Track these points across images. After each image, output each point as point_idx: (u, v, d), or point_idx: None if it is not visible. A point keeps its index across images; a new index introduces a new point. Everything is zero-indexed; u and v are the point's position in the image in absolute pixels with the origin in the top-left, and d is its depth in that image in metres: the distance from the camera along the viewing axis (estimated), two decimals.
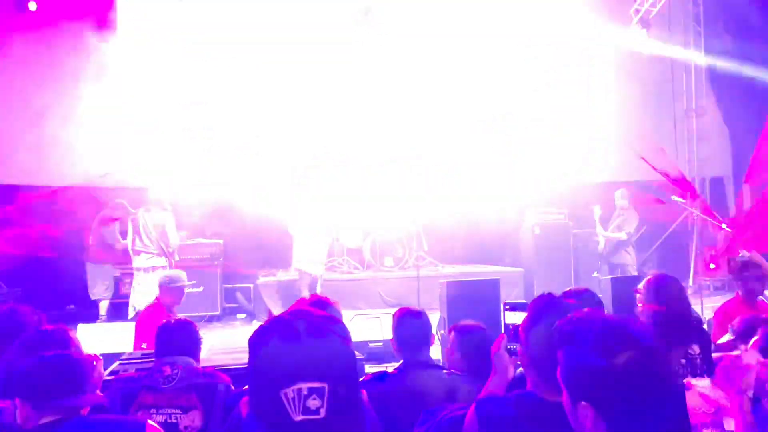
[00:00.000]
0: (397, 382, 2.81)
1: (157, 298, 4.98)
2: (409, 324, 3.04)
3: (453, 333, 3.21)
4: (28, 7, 7.94)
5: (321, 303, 2.49)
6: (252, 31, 9.18)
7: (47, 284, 8.09)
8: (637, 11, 9.80)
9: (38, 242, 7.81)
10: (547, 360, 1.89)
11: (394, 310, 3.28)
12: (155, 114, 8.92)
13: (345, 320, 5.48)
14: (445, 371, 3.03)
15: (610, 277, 6.18)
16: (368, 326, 5.25)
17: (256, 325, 6.67)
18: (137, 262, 7.17)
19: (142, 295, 6.77)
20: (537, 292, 8.90)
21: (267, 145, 9.44)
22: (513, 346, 2.26)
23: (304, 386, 1.04)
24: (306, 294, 7.52)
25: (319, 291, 7.77)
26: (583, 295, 2.91)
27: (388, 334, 3.19)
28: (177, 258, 7.51)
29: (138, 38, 9.02)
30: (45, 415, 1.87)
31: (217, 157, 9.25)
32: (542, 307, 2.00)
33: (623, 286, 4.99)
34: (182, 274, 5.15)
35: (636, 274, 8.31)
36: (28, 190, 8.37)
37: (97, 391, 2.19)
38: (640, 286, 3.46)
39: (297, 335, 1.09)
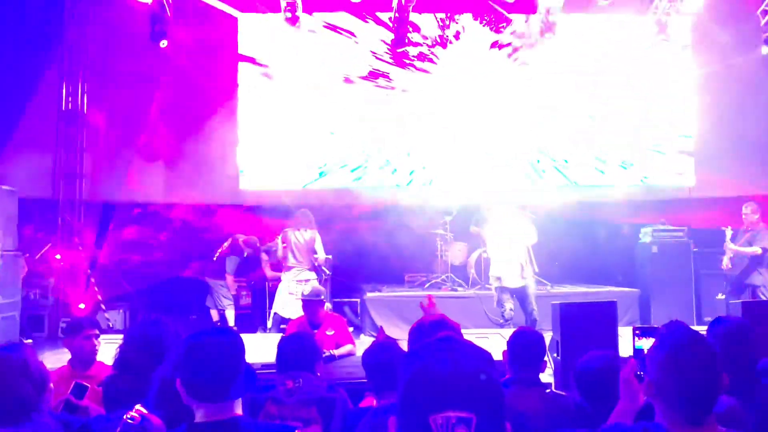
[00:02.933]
0: None
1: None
2: (527, 341, 3.04)
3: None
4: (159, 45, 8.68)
5: (443, 324, 2.53)
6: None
7: (169, 295, 8.77)
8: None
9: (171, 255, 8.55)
10: (674, 390, 1.82)
11: (500, 330, 3.27)
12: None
13: None
14: (548, 390, 3.00)
15: (740, 300, 5.71)
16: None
17: (364, 339, 6.89)
18: (289, 275, 7.60)
19: (291, 305, 7.18)
20: (655, 315, 8.57)
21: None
22: (642, 373, 2.19)
23: (453, 415, 1.06)
24: (509, 306, 7.55)
25: (534, 306, 7.61)
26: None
27: (496, 355, 3.18)
28: (327, 272, 8.00)
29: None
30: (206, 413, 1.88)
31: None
32: (671, 335, 1.92)
33: (757, 310, 4.61)
34: (322, 289, 5.57)
35: None
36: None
37: None
38: None
39: (448, 362, 1.13)
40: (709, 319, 7.79)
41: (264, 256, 8.24)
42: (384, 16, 9.74)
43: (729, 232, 7.93)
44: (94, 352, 3.73)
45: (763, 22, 8.97)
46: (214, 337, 1.98)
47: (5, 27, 8.42)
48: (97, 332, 3.80)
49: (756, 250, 7.73)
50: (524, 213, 8.16)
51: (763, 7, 8.95)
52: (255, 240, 8.37)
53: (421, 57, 9.97)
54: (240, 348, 1.99)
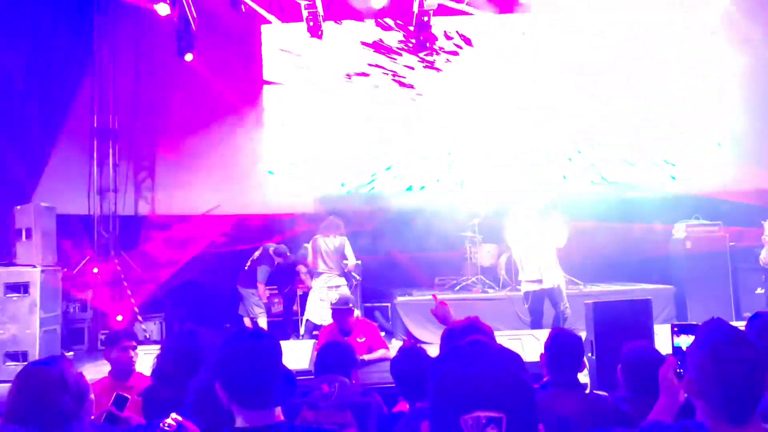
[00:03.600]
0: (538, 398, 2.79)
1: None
2: (564, 343, 3.02)
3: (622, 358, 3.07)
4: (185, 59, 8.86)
5: (475, 327, 2.53)
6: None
7: (204, 303, 8.91)
8: None
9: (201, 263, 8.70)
10: (716, 389, 1.79)
11: (533, 331, 3.25)
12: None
13: None
14: (587, 391, 2.98)
15: None
16: (511, 347, 5.17)
17: (396, 344, 6.89)
18: (319, 282, 7.67)
19: (323, 311, 7.24)
20: (691, 312, 8.38)
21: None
22: (682, 371, 2.17)
23: (483, 415, 1.07)
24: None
25: (566, 304, 7.45)
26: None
27: (530, 356, 3.18)
28: (357, 278, 8.07)
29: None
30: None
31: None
32: (711, 332, 1.89)
33: None
34: (350, 297, 5.63)
35: None
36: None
37: None
38: None
39: (476, 363, 1.13)
40: (748, 314, 7.63)
41: (302, 269, 8.28)
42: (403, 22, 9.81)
43: (767, 225, 7.72)
44: (132, 363, 3.81)
45: None
46: (252, 341, 1.96)
47: (39, 49, 8.68)
48: (134, 344, 3.88)
49: None
50: (555, 212, 8.02)
51: None
52: (285, 249, 8.46)
53: (445, 57, 10.00)
54: (278, 350, 1.96)
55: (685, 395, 2.12)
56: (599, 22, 9.87)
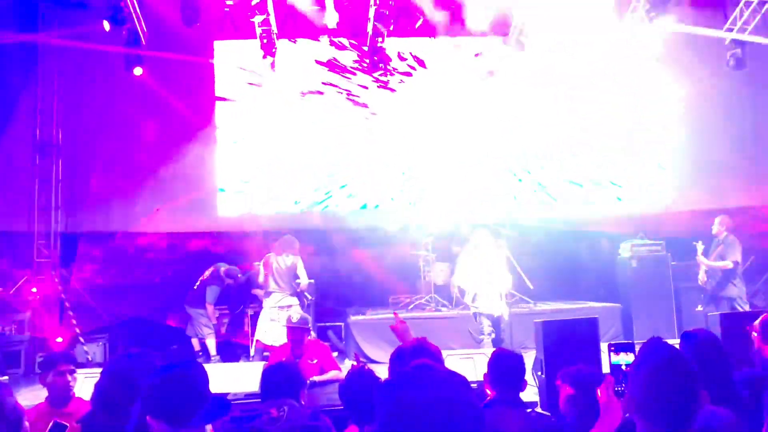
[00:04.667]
0: None
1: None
2: (506, 363, 3.06)
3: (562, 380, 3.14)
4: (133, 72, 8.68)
5: (423, 349, 2.52)
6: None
7: (150, 323, 8.64)
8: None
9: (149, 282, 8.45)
10: (656, 405, 1.84)
11: (485, 350, 3.30)
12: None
13: None
14: (529, 410, 3.03)
15: (718, 312, 5.78)
16: (462, 366, 5.20)
17: (348, 364, 6.82)
18: (270, 301, 7.54)
19: (274, 331, 7.16)
20: (637, 329, 8.64)
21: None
22: (620, 388, 2.22)
23: None
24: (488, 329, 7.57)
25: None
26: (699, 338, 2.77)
27: (481, 375, 3.22)
28: (309, 298, 7.99)
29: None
30: None
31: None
32: (651, 352, 1.95)
33: (735, 322, 4.67)
34: (298, 316, 5.57)
35: (746, 308, 7.74)
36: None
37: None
38: (756, 323, 3.26)
39: (425, 390, 1.13)
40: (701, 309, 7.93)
41: (259, 292, 8.14)
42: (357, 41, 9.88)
43: (700, 247, 8.02)
44: (68, 388, 3.64)
45: (727, 40, 9.21)
46: (177, 368, 2.06)
47: None
48: (72, 367, 3.71)
49: (727, 264, 7.79)
50: (499, 242, 8.23)
51: (727, 25, 9.21)
52: (236, 270, 8.32)
53: (399, 78, 10.12)
54: (203, 375, 2.06)
55: (625, 414, 2.17)
56: (548, 46, 10.16)
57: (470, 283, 7.99)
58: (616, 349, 2.42)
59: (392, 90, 10.13)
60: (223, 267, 8.32)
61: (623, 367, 2.34)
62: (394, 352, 2.69)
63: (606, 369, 4.17)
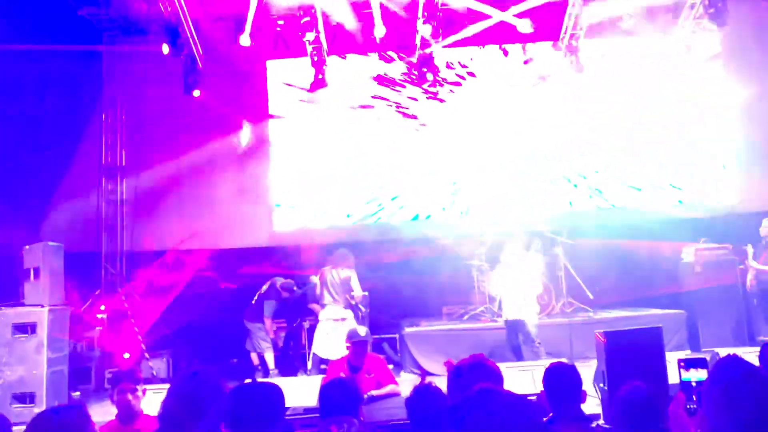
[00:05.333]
0: None
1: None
2: (560, 377, 3.00)
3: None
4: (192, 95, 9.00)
5: (481, 366, 2.50)
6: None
7: (211, 337, 8.85)
8: None
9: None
10: (730, 426, 1.76)
11: (545, 361, 3.23)
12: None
13: None
14: (594, 424, 2.96)
15: None
16: (521, 379, 5.11)
17: (404, 377, 6.81)
18: (326, 314, 7.65)
19: (330, 344, 7.24)
20: (703, 337, 8.26)
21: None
22: (692, 405, 2.15)
23: None
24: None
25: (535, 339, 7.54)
26: None
27: (540, 387, 3.16)
28: (364, 310, 8.06)
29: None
30: None
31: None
32: (726, 369, 1.87)
33: None
34: (361, 330, 5.53)
35: None
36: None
37: None
38: None
39: (496, 411, 1.18)
40: (763, 338, 7.53)
41: (316, 307, 8.24)
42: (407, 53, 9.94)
43: (750, 250, 7.85)
44: (132, 406, 3.76)
45: None
46: (256, 390, 2.16)
47: (48, 86, 8.81)
48: (134, 386, 3.81)
49: None
50: (532, 253, 8.12)
51: None
52: (292, 283, 8.44)
53: (448, 88, 10.11)
54: (281, 402, 2.13)
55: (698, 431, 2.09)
56: (602, 51, 9.96)
57: (499, 292, 8.00)
58: (686, 364, 2.33)
59: (441, 100, 10.13)
60: (279, 281, 8.46)
61: (693, 384, 2.25)
62: (452, 370, 2.67)
63: (672, 380, 4.02)
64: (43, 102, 8.75)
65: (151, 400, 4.42)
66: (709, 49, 9.80)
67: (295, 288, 8.45)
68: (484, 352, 8.02)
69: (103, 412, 5.37)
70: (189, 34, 8.62)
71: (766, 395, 1.74)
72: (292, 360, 8.70)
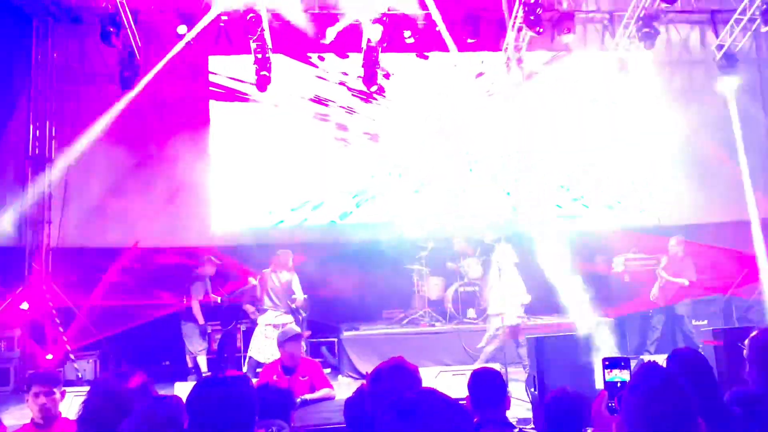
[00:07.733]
0: None
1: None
2: (484, 381, 3.04)
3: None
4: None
5: (401, 368, 2.48)
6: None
7: (144, 340, 8.54)
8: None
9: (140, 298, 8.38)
10: (646, 428, 1.82)
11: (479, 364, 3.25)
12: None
13: (430, 377, 5.41)
14: (518, 429, 3.00)
15: (711, 328, 5.80)
16: (455, 383, 5.15)
17: (341, 380, 6.75)
18: (265, 319, 7.48)
19: (268, 348, 7.10)
20: (630, 343, 8.59)
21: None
22: (613, 404, 2.22)
23: None
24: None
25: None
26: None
27: None
28: (304, 314, 7.94)
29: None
30: None
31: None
32: (645, 377, 1.94)
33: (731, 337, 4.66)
34: (295, 329, 5.45)
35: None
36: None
37: None
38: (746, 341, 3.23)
39: (417, 417, 1.20)
40: (684, 345, 7.93)
41: (249, 308, 8.08)
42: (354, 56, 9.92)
43: (664, 260, 8.46)
44: (47, 409, 3.55)
45: (718, 56, 9.32)
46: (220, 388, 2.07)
47: None
48: (49, 389, 3.59)
49: (683, 281, 8.28)
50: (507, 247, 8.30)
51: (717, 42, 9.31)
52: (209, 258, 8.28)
53: (389, 91, 10.15)
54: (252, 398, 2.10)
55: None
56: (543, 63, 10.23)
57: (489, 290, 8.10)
58: (610, 364, 2.41)
59: (383, 97, 10.15)
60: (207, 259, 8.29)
61: (618, 384, 2.34)
62: (372, 372, 2.64)
63: (599, 384, 4.14)
64: None
65: (72, 403, 4.22)
66: (640, 69, 10.21)
67: (213, 258, 8.27)
68: (422, 356, 8.08)
69: (21, 415, 5.09)
70: (126, 23, 8.32)
71: (682, 403, 1.81)
72: (227, 363, 8.50)
